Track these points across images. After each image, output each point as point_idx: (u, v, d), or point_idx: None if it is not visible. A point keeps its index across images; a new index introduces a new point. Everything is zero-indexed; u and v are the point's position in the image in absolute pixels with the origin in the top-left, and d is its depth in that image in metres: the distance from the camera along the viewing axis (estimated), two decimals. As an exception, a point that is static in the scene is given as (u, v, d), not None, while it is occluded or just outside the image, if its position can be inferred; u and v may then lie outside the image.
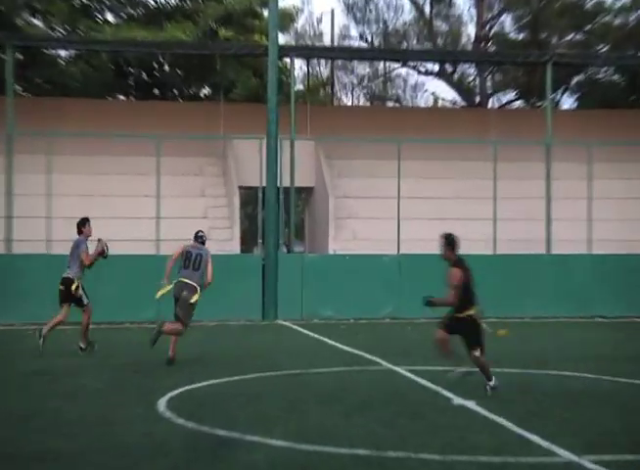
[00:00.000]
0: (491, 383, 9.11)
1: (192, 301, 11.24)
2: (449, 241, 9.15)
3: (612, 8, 28.13)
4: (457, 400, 8.80)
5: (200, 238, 11.73)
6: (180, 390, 9.39)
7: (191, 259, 11.39)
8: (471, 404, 8.58)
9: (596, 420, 8.03)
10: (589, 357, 12.30)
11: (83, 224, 12.59)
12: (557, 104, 29.56)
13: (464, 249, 19.98)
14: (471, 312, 8.96)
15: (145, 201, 19.64)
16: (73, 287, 12.29)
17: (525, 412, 8.28)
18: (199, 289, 11.31)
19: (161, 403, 8.59)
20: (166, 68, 27.56)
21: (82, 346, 12.34)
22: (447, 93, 33.88)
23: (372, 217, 20.47)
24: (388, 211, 19.53)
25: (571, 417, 8.12)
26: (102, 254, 12.57)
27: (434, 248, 19.57)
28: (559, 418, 8.08)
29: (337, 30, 36.54)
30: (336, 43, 31.97)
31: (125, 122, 21.86)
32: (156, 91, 28.03)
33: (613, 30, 27.38)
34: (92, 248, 12.58)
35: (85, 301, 12.44)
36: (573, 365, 11.35)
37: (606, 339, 15.23)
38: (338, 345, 13.63)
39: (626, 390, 9.78)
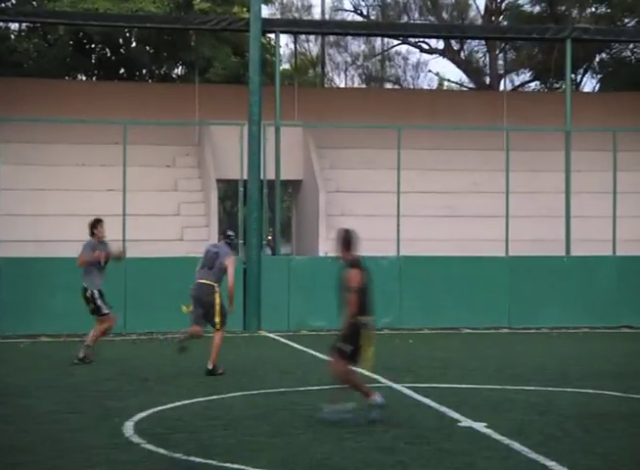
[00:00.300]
0: (349, 406, 8.69)
1: (217, 303, 11.89)
2: (344, 239, 8.80)
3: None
4: (465, 422, 8.80)
5: (227, 237, 12.44)
6: (149, 411, 9.35)
7: (206, 258, 12.14)
8: (480, 427, 8.57)
9: (622, 444, 8.03)
10: (615, 373, 12.32)
11: (95, 226, 13.22)
12: (578, 85, 29.62)
13: (474, 250, 20.08)
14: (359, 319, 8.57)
15: (109, 196, 19.58)
16: (88, 294, 12.97)
17: (542, 435, 8.28)
18: (216, 286, 11.95)
19: (128, 427, 8.55)
20: (134, 44, 27.50)
21: (80, 355, 12.95)
22: (453, 74, 34.00)
23: (369, 215, 20.48)
24: (386, 208, 19.53)
25: (594, 440, 8.13)
26: (105, 257, 13.17)
27: (440, 249, 19.77)
28: (580, 442, 8.09)
29: (328, 2, 36.56)
30: (327, 17, 31.99)
31: (86, 106, 21.81)
32: (122, 71, 27.97)
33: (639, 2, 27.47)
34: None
35: (105, 310, 13.02)
36: (597, 382, 11.37)
37: (633, 352, 15.26)
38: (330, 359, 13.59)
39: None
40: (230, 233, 12.54)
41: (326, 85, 33.00)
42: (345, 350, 8.68)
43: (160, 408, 9.51)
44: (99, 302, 12.99)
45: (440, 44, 31.46)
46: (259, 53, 18.80)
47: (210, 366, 11.90)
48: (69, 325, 16.39)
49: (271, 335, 17.32)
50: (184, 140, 22.33)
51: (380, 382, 11.41)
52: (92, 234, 13.18)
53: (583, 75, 30.01)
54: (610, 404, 10.02)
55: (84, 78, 28.21)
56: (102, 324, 13.09)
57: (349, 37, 33.33)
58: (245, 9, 23.27)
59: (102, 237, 13.25)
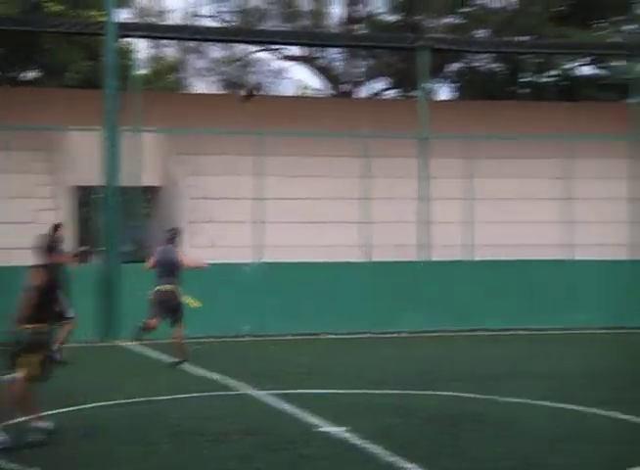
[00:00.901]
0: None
1: (182, 303, 13.24)
2: (41, 245, 8.45)
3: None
4: (326, 427, 8.84)
5: (172, 239, 13.61)
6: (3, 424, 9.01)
7: (162, 266, 13.31)
8: (341, 431, 8.63)
9: (477, 444, 8.24)
10: (470, 375, 12.64)
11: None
12: (434, 94, 30.31)
13: (337, 256, 20.19)
14: (33, 326, 8.04)
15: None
16: None
17: (402, 438, 8.41)
18: (179, 288, 13.21)
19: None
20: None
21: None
22: (313, 81, 34.18)
23: (232, 221, 20.39)
24: (249, 214, 19.50)
25: (451, 442, 8.31)
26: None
27: (304, 255, 19.81)
28: (437, 444, 8.24)
29: (188, 7, 36.23)
30: (186, 22, 31.68)
31: None
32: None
33: (492, 14, 28.36)
34: None
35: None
36: (454, 384, 11.65)
37: (488, 354, 15.70)
38: (191, 367, 13.46)
39: (511, 410, 10.09)
40: (172, 234, 13.66)
41: (186, 91, 32.71)
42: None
43: (12, 422, 9.17)
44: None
45: (300, 51, 31.66)
46: (115, 58, 18.47)
47: (182, 358, 13.23)
48: None
49: (130, 344, 16.99)
50: (38, 146, 21.69)
51: (239, 389, 11.36)
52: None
53: (440, 84, 30.70)
54: (465, 406, 10.26)
55: None
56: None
57: (209, 43, 33.11)
58: (101, 12, 22.78)
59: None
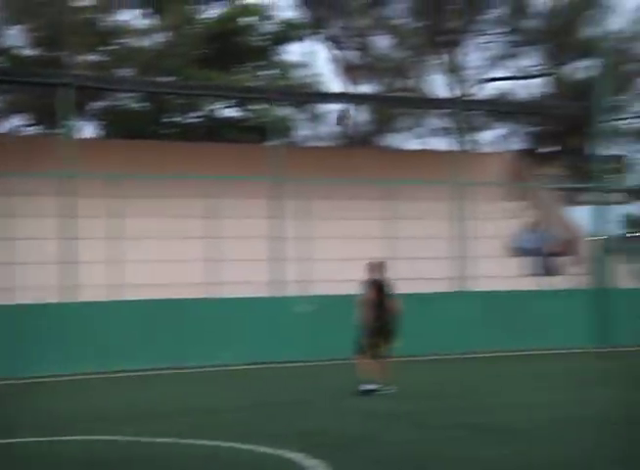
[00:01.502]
0: None
1: None
2: None
3: (133, 29, 29.52)
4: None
5: None
6: None
7: None
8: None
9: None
10: (116, 418, 12.62)
11: None
12: (79, 132, 29.95)
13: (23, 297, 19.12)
14: None
15: None
16: None
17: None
18: None
19: None
20: None
21: None
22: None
23: None
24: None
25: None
26: None
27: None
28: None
29: None
30: None
31: None
32: None
33: (136, 53, 28.67)
34: None
35: None
36: (100, 427, 11.59)
37: (134, 395, 15.71)
38: None
39: (159, 450, 10.21)
40: None
41: None
42: None
43: None
44: None
45: None
46: None
47: None
48: None
49: None
50: None
51: None
52: None
53: (84, 121, 30.37)
54: (112, 449, 10.25)
55: None
56: None
57: None
58: None
59: None
